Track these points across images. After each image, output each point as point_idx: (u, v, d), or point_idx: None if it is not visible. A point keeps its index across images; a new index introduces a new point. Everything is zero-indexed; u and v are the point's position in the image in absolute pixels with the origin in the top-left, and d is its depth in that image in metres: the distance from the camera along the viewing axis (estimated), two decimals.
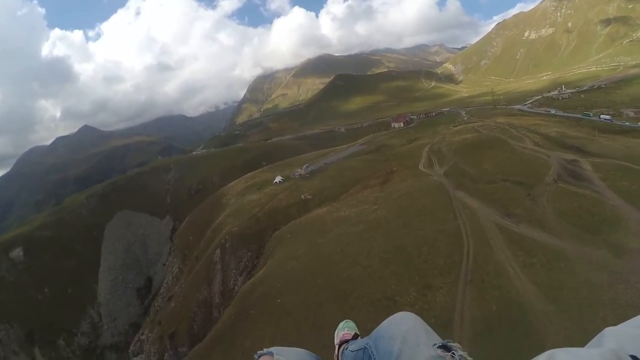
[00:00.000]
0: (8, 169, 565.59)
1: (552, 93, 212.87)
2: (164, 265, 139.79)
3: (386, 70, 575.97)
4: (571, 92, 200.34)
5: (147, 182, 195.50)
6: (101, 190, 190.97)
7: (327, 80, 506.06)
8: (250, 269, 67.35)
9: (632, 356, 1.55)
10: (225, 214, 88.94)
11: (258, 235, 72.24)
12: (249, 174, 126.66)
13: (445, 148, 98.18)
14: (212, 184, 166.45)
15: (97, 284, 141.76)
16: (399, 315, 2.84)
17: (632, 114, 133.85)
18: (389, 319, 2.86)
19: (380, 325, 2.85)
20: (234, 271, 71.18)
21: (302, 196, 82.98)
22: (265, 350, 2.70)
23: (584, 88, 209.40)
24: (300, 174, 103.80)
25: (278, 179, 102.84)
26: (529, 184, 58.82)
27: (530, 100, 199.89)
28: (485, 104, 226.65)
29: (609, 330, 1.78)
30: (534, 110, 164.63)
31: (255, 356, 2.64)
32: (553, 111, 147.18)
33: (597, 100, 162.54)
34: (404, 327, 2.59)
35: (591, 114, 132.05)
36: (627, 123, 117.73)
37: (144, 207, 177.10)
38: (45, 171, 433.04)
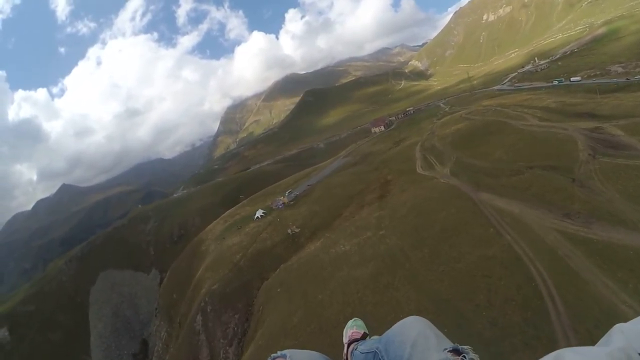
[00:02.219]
0: None
1: (527, 67, 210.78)
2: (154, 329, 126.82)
3: (354, 78, 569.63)
4: (545, 63, 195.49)
5: (126, 236, 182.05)
6: (80, 253, 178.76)
7: (297, 99, 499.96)
8: (241, 336, 53.61)
9: None
10: (204, 267, 75.32)
11: (243, 290, 58.52)
12: (227, 212, 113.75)
13: (439, 143, 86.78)
14: (193, 226, 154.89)
15: (90, 355, 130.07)
16: (410, 320, 2.81)
17: (620, 70, 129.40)
18: (399, 323, 2.84)
19: (391, 329, 2.86)
20: (221, 341, 57.14)
21: (289, 230, 69.65)
22: (279, 352, 2.73)
23: (557, 56, 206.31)
24: (283, 203, 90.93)
25: (259, 213, 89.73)
26: (564, 167, 46.64)
27: (508, 79, 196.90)
28: (461, 91, 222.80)
29: (618, 328, 1.77)
30: (517, 87, 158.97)
31: (269, 359, 2.64)
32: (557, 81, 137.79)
33: (579, 64, 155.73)
34: (414, 331, 2.57)
35: (563, 79, 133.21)
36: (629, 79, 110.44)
37: (126, 263, 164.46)
38: (30, 237, 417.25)
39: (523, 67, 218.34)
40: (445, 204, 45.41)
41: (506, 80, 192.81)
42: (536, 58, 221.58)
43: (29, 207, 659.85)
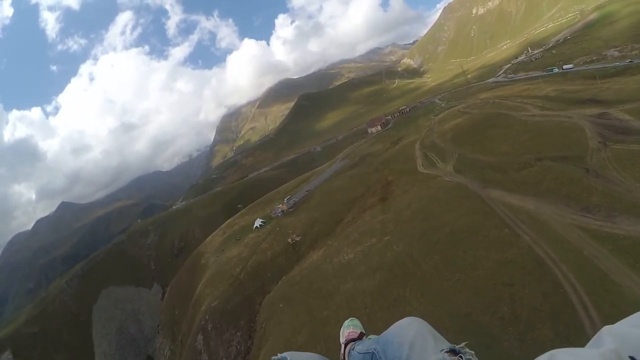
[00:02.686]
0: None
1: (521, 58, 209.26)
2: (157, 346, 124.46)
3: (347, 80, 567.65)
4: (538, 52, 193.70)
5: (126, 252, 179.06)
6: (80, 271, 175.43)
7: (292, 104, 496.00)
8: (244, 355, 50.98)
9: (631, 357, 1.56)
10: (204, 282, 72.56)
11: (245, 306, 55.83)
12: (226, 223, 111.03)
13: (439, 140, 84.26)
14: (194, 238, 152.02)
15: None
16: (407, 321, 2.86)
17: (616, 54, 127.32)
18: (396, 324, 2.92)
19: (388, 330, 2.92)
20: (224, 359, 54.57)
21: (289, 239, 67.01)
22: (279, 355, 2.78)
23: (550, 45, 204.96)
24: (282, 211, 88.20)
25: (258, 222, 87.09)
26: (575, 157, 44.13)
27: (502, 71, 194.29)
28: (456, 86, 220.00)
29: (607, 329, 1.78)
30: (512, 79, 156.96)
31: None
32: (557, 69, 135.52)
33: (573, 51, 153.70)
34: (411, 332, 2.62)
35: (555, 68, 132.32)
36: (629, 61, 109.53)
37: (128, 279, 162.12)
38: (32, 256, 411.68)
39: (517, 57, 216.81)
40: (453, 204, 42.73)
41: (500, 72, 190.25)
42: (529, 48, 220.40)
43: (29, 226, 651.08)
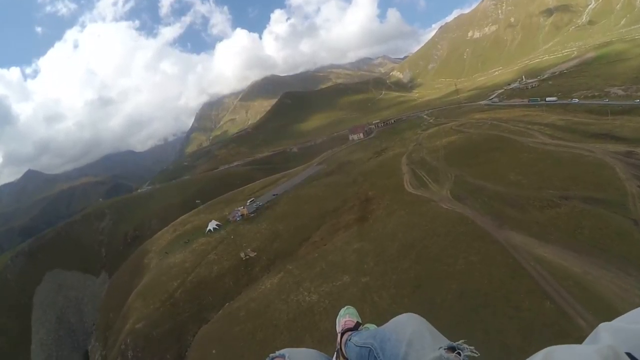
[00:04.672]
0: None
1: (514, 85, 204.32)
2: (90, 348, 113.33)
3: (334, 84, 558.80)
4: (534, 81, 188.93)
5: (78, 234, 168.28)
6: (27, 249, 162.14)
7: (275, 101, 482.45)
8: None
9: (627, 353, 1.56)
10: (136, 291, 60.31)
11: (175, 335, 44.08)
12: (180, 219, 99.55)
13: (429, 157, 74.46)
14: (149, 229, 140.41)
15: None
16: (405, 317, 2.75)
17: (621, 92, 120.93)
18: (394, 320, 2.79)
19: (386, 325, 2.80)
20: None
21: (243, 254, 55.45)
22: (277, 352, 2.72)
23: (546, 76, 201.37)
24: (242, 215, 76.78)
25: (212, 225, 75.31)
26: (612, 201, 34.58)
27: (494, 95, 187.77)
28: (446, 104, 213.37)
29: (603, 326, 1.77)
30: (506, 103, 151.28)
31: (268, 359, 2.64)
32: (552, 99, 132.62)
33: (572, 85, 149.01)
34: (409, 329, 2.54)
35: (539, 99, 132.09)
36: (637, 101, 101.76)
37: (75, 264, 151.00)
38: None
39: (509, 84, 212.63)
40: (459, 245, 32.06)
41: (493, 96, 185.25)
42: (524, 76, 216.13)
43: None
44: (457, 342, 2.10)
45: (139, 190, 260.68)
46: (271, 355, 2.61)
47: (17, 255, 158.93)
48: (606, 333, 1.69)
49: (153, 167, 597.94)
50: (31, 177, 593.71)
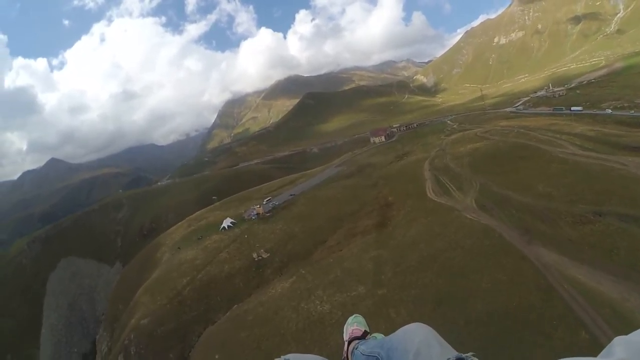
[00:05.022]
0: None
1: (541, 92, 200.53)
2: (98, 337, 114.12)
3: (357, 86, 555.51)
4: (561, 90, 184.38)
5: (95, 223, 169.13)
6: (44, 235, 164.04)
7: (297, 101, 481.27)
8: None
9: None
10: (145, 286, 59.14)
11: (179, 335, 42.66)
12: (195, 214, 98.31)
13: (453, 163, 71.80)
14: (166, 222, 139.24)
15: (39, 349, 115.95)
16: (413, 327, 2.75)
17: None
18: (402, 329, 2.79)
19: (394, 335, 2.82)
20: None
21: (255, 254, 53.89)
22: (282, 357, 2.65)
23: (573, 85, 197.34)
24: (257, 214, 75.23)
25: (227, 222, 73.90)
26: None
27: (520, 102, 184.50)
28: (470, 110, 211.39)
29: (618, 340, 1.76)
30: (532, 111, 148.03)
31: None
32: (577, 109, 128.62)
33: (601, 94, 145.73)
34: (417, 339, 2.53)
35: (563, 108, 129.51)
36: None
37: (90, 252, 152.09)
38: (11, 208, 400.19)
39: (535, 92, 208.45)
40: (485, 260, 29.81)
41: (519, 103, 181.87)
42: (550, 84, 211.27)
43: (15, 177, 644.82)
44: (465, 354, 2.09)
45: (158, 183, 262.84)
46: (275, 359, 2.48)
47: (33, 240, 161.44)
48: (620, 347, 1.66)
49: (174, 161, 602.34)
50: (54, 165, 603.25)
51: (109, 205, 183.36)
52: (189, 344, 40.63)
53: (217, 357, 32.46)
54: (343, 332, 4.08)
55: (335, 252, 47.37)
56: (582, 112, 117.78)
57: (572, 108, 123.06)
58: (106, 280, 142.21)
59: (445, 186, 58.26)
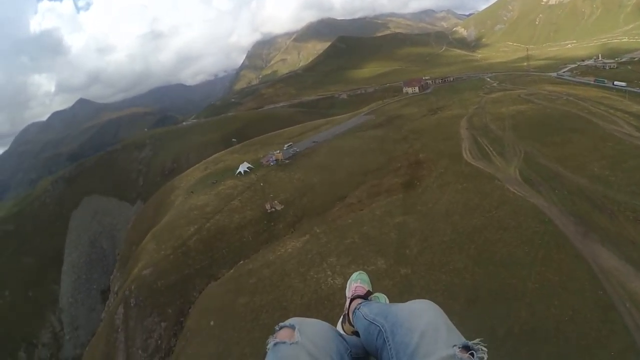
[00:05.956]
0: (6, 148, 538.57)
1: (588, 62, 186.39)
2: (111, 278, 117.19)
3: (392, 33, 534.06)
4: (612, 63, 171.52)
5: (118, 162, 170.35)
6: (68, 174, 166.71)
7: (329, 44, 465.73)
8: (165, 355, 35.51)
9: None
10: (153, 232, 56.35)
11: (179, 289, 39.56)
12: (213, 157, 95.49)
13: (494, 124, 65.84)
14: (187, 162, 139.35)
15: (59, 285, 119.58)
16: (421, 305, 2.61)
17: None
18: (410, 305, 2.62)
19: (399, 308, 2.63)
20: (140, 352, 39.09)
21: (268, 205, 49.79)
22: (287, 322, 2.52)
23: (624, 59, 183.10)
24: (276, 160, 70.91)
25: (243, 167, 70.06)
26: None
27: (566, 68, 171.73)
28: (511, 69, 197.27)
29: None
30: (578, 80, 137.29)
31: (276, 327, 2.48)
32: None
33: None
34: (424, 319, 2.43)
35: (605, 80, 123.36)
36: None
37: (112, 191, 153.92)
38: (41, 149, 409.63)
39: (583, 60, 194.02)
40: (533, 250, 24.81)
41: (565, 69, 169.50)
42: (600, 55, 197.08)
43: (44, 118, 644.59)
44: (472, 341, 2.04)
45: (183, 123, 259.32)
46: (280, 324, 2.40)
47: (57, 180, 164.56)
48: None
49: (201, 102, 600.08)
50: (82, 106, 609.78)
51: (132, 145, 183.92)
52: (189, 300, 37.58)
53: (212, 323, 29.09)
54: (346, 289, 3.87)
55: (355, 211, 42.87)
56: (626, 88, 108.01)
57: (615, 82, 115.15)
58: (127, 218, 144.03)
59: (484, 149, 52.51)
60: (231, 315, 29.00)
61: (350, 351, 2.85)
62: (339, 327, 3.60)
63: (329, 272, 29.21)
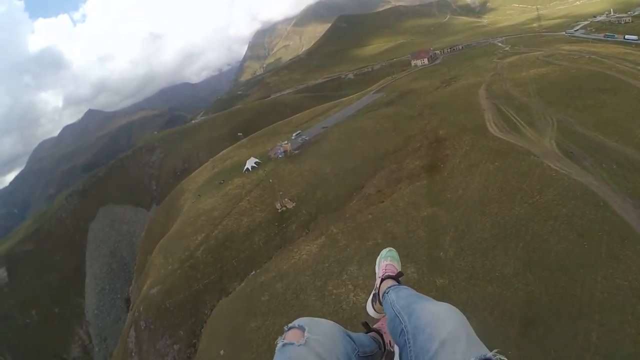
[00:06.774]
0: (22, 167, 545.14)
1: (600, 17, 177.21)
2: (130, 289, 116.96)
3: (393, 7, 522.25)
4: (626, 17, 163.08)
5: (129, 169, 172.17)
6: (81, 187, 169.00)
7: (330, 25, 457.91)
8: None
9: None
10: (160, 244, 53.18)
11: (189, 307, 36.18)
12: (220, 154, 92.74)
13: (516, 91, 61.00)
14: (197, 161, 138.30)
15: (84, 298, 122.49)
16: (445, 311, 2.57)
17: None
18: (435, 310, 2.63)
19: (424, 309, 2.66)
20: None
21: (278, 204, 45.70)
22: (296, 322, 2.49)
23: (636, 13, 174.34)
24: (284, 151, 66.82)
25: (250, 163, 66.19)
26: None
27: (579, 26, 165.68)
28: (522, 32, 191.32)
29: None
30: (589, 37, 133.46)
31: (285, 328, 2.45)
32: None
33: None
34: (447, 327, 2.40)
35: (615, 35, 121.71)
36: None
37: (127, 198, 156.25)
38: (56, 163, 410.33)
39: (595, 16, 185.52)
40: (593, 246, 20.27)
41: (577, 27, 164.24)
42: (612, 9, 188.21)
43: (56, 133, 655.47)
44: (491, 353, 2.01)
45: (193, 121, 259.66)
46: (289, 325, 2.36)
47: (71, 194, 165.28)
48: None
49: (209, 98, 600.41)
50: (91, 116, 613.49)
51: (142, 149, 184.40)
52: (201, 319, 34.12)
53: (222, 353, 25.39)
54: (375, 265, 3.85)
55: (375, 204, 38.47)
56: (638, 41, 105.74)
57: (627, 36, 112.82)
58: (143, 224, 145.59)
59: (511, 119, 47.45)
60: (241, 343, 25.20)
61: (358, 351, 2.82)
62: (369, 305, 3.60)
63: (350, 286, 25.02)
